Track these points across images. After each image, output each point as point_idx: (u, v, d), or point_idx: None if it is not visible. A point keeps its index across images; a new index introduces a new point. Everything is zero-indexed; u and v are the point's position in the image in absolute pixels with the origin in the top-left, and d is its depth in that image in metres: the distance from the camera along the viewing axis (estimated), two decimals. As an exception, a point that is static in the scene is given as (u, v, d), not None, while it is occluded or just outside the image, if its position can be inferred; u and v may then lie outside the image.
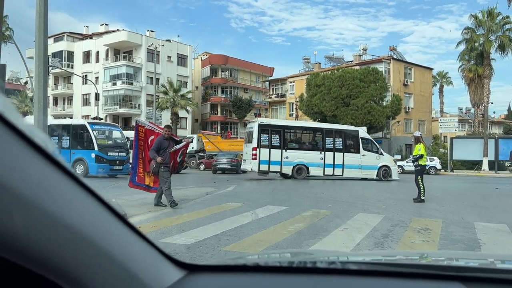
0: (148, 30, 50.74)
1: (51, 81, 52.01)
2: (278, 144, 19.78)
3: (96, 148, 18.29)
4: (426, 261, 1.22)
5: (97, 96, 37.00)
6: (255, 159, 19.31)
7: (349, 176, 20.54)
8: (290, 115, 51.76)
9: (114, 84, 47.20)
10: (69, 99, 52.62)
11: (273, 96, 56.26)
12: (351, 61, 50.14)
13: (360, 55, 49.78)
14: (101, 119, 37.48)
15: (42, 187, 0.59)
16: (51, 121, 20.39)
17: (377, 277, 0.88)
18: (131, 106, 47.25)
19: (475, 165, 36.87)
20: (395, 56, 46.51)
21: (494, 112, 69.47)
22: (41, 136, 0.61)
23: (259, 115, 57.86)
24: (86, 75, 47.21)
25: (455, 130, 41.19)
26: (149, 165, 8.75)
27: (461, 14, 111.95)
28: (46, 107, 8.46)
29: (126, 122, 47.86)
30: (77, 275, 0.65)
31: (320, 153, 20.40)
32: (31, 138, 0.58)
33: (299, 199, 10.75)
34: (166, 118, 42.42)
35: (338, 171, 20.51)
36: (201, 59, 59.08)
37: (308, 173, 20.02)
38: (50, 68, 45.38)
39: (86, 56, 50.77)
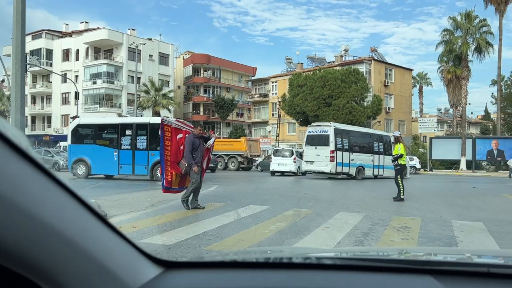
0: (129, 29, 50.25)
1: (29, 79, 50.90)
2: (347, 147, 21.57)
3: None
4: (399, 256, 1.25)
5: (76, 95, 36.35)
6: (333, 161, 20.65)
7: (386, 175, 22.39)
8: (273, 115, 51.91)
9: (95, 83, 46.53)
10: (48, 98, 51.62)
11: (255, 96, 56.33)
12: (333, 62, 50.58)
13: (341, 56, 50.27)
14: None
15: (15, 182, 0.57)
16: (119, 119, 18.60)
17: (350, 271, 0.90)
18: (112, 105, 46.62)
19: (453, 164, 37.66)
20: (376, 57, 47.13)
21: (471, 113, 71.17)
22: (14, 131, 0.59)
23: (242, 115, 57.87)
24: (65, 74, 46.42)
25: (434, 130, 41.99)
26: (179, 165, 8.47)
27: (440, 16, 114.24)
28: (23, 106, 8.29)
29: (106, 121, 47.15)
30: (51, 272, 0.64)
31: (371, 155, 22.64)
32: (2, 133, 0.56)
33: (281, 198, 10.79)
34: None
35: (380, 171, 22.78)
36: (183, 58, 58.73)
37: (364, 173, 22.09)
38: (28, 66, 44.38)
39: (66, 54, 49.88)
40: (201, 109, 55.82)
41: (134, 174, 17.23)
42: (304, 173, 24.65)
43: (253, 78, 59.29)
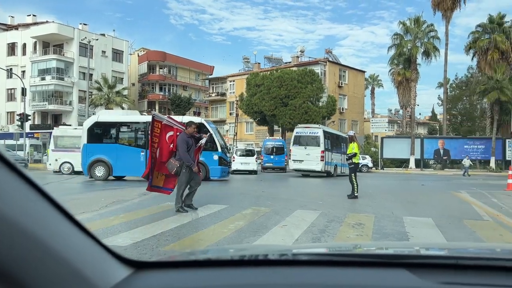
0: (81, 23, 48.33)
1: (-30, 74, 47.93)
2: (330, 148, 23.34)
3: (219, 149, 16.37)
4: (374, 250, 1.28)
5: (23, 91, 34.54)
6: (323, 160, 22.04)
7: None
8: (231, 114, 51.86)
9: (43, 79, 44.36)
10: (-8, 94, 48.74)
11: (213, 95, 56.01)
12: (290, 62, 51.22)
13: (298, 57, 51.02)
14: (28, 115, 35.13)
15: None
16: (146, 117, 17.21)
17: (326, 267, 0.91)
18: (62, 102, 44.71)
19: (403, 163, 39.27)
20: (330, 59, 48.26)
21: (420, 114, 74.48)
22: None
23: (199, 114, 57.36)
24: (11, 69, 43.94)
25: (385, 130, 43.62)
26: (168, 165, 7.93)
27: (392, 20, 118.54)
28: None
29: (56, 119, 45.18)
30: (13, 272, 0.60)
31: (341, 155, 24.30)
32: None
33: (239, 197, 10.79)
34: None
35: (345, 170, 23.69)
36: (138, 55, 57.26)
37: (337, 171, 23.90)
38: (-31, 59, 41.41)
39: (11, 48, 47.24)
40: (157, 107, 54.67)
41: None
42: (255, 172, 25.58)
43: (210, 76, 58.87)
